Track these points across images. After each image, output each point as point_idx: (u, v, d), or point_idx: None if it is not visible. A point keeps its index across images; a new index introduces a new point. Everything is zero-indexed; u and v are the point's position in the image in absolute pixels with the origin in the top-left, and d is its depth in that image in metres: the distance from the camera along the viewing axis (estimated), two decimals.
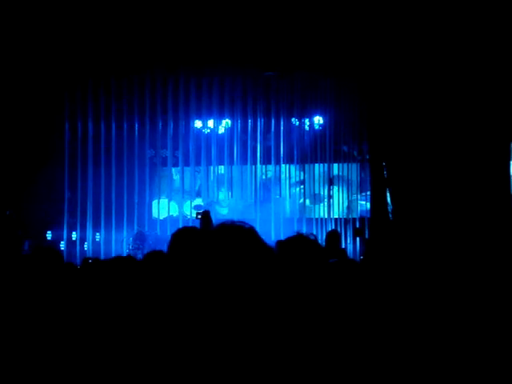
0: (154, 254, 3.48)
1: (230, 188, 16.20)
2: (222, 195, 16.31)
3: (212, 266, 1.85)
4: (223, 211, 16.08)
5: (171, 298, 2.08)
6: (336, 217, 15.65)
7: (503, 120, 12.40)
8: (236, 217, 14.25)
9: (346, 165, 15.70)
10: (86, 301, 2.92)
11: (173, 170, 16.34)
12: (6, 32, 11.67)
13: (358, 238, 14.47)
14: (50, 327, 2.75)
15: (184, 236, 3.28)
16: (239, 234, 1.92)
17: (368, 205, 14.80)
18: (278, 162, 15.86)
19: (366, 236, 14.29)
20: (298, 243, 2.59)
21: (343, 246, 14.29)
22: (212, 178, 16.24)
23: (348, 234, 15.28)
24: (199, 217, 12.57)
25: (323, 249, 2.78)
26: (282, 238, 3.19)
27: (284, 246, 2.59)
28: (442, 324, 2.89)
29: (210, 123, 16.05)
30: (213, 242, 1.90)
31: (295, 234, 2.72)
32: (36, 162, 14.17)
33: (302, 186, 16.08)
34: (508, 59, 11.69)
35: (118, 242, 15.30)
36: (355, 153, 15.54)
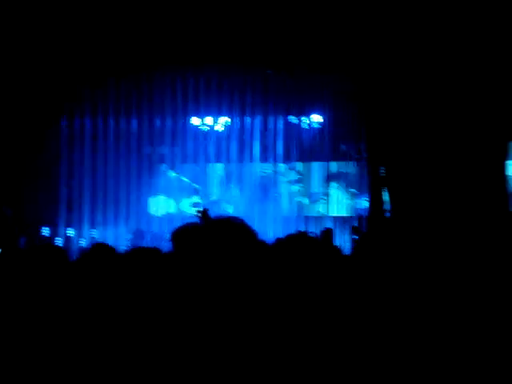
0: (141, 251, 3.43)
1: (228, 186, 16.20)
2: (229, 193, 16.30)
3: (202, 261, 1.85)
4: (229, 209, 16.03)
5: (162, 294, 2.08)
6: (334, 215, 15.65)
7: (502, 120, 12.41)
8: (234, 215, 14.22)
9: (344, 163, 15.71)
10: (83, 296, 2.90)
11: (170, 167, 16.33)
12: (9, 29, 11.66)
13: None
14: (46, 323, 2.73)
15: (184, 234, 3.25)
16: (228, 228, 1.92)
17: (366, 203, 14.81)
18: (276, 160, 15.86)
19: None
20: (299, 241, 2.58)
21: (341, 245, 14.30)
22: (211, 175, 16.25)
23: (346, 232, 15.27)
24: (199, 215, 12.59)
25: (323, 246, 2.77)
26: (280, 236, 3.19)
27: (284, 243, 2.59)
28: (437, 321, 2.88)
29: (208, 121, 16.03)
30: (204, 237, 1.90)
31: (297, 232, 2.72)
32: (33, 158, 14.15)
33: (300, 185, 16.08)
34: (506, 59, 11.68)
35: (115, 238, 15.27)
36: (353, 151, 15.54)
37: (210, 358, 1.79)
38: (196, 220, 12.58)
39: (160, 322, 1.97)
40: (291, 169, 16.04)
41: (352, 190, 15.75)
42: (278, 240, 2.77)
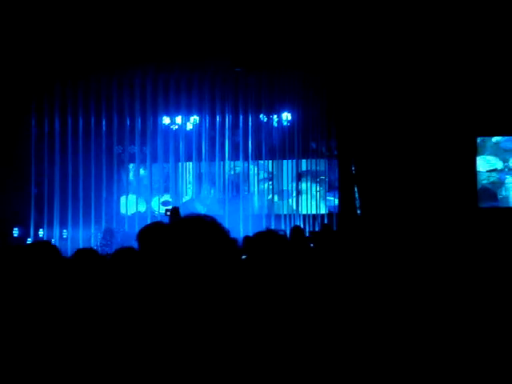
0: (124, 251, 3.45)
1: (199, 184, 16.18)
2: (204, 192, 16.26)
3: (173, 259, 1.85)
4: (203, 209, 15.99)
5: (139, 294, 2.08)
6: (304, 213, 15.69)
7: (469, 116, 12.58)
8: (206, 213, 14.17)
9: (314, 161, 15.76)
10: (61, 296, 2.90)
11: (141, 166, 16.27)
12: None
13: None
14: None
15: (151, 232, 3.28)
16: (200, 226, 1.93)
17: (336, 201, 14.88)
18: (246, 158, 15.86)
19: None
20: (267, 238, 2.60)
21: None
22: (182, 174, 16.22)
23: (316, 229, 15.32)
24: (168, 213, 12.53)
25: (291, 244, 2.80)
26: (251, 233, 3.21)
27: (253, 240, 2.60)
28: (407, 312, 2.93)
29: (178, 119, 16.00)
30: (174, 235, 1.90)
31: (265, 229, 2.73)
32: (2, 157, 14.01)
33: (270, 182, 16.11)
34: (474, 56, 11.84)
35: (86, 238, 15.17)
36: (323, 149, 15.59)
37: (179, 357, 1.80)
38: (165, 219, 12.56)
39: (125, 321, 1.97)
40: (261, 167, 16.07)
41: (322, 187, 15.81)
42: (247, 238, 2.80)
